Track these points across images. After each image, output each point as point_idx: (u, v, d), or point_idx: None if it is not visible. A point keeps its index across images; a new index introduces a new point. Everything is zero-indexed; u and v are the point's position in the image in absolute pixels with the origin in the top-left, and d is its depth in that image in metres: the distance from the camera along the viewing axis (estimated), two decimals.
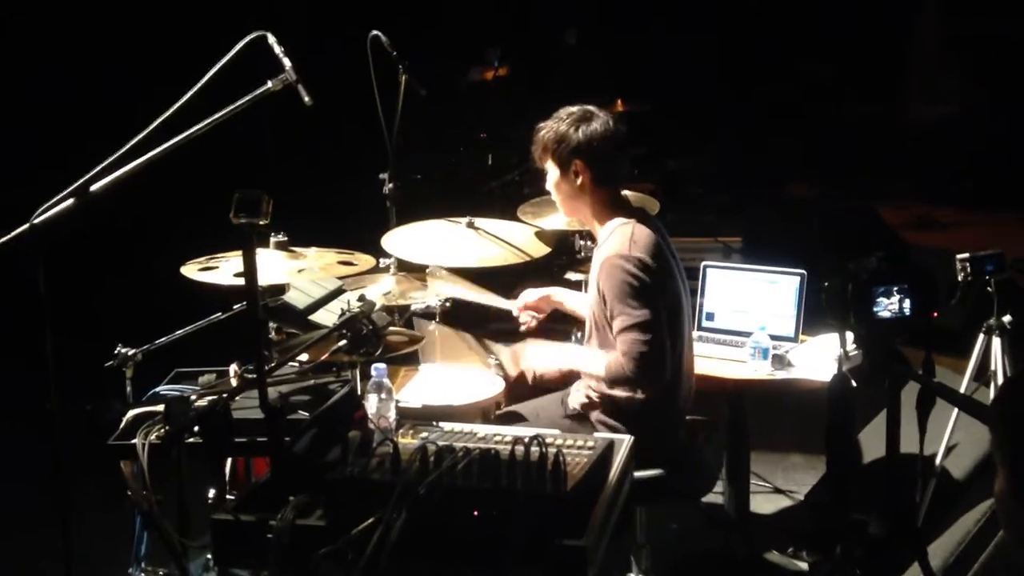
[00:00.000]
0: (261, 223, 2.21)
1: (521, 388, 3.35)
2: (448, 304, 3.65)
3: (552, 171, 3.12)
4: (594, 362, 3.04)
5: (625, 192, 3.31)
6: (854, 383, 2.26)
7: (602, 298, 2.99)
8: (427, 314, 3.65)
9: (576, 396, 3.19)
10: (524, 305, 3.47)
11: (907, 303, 2.18)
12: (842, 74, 7.85)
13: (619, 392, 2.99)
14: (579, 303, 3.43)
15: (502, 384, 3.29)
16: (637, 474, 2.68)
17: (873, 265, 2.18)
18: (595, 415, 3.08)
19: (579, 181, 3.06)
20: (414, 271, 3.69)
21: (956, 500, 3.28)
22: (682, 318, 3.09)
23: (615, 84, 7.10)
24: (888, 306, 2.18)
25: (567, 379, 3.21)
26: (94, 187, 2.47)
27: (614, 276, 2.95)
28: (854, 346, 3.01)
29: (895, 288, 2.17)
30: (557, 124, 3.08)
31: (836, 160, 7.40)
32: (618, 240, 3.00)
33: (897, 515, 2.37)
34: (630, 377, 2.91)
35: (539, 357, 3.22)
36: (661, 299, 2.95)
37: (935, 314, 2.21)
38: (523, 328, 3.50)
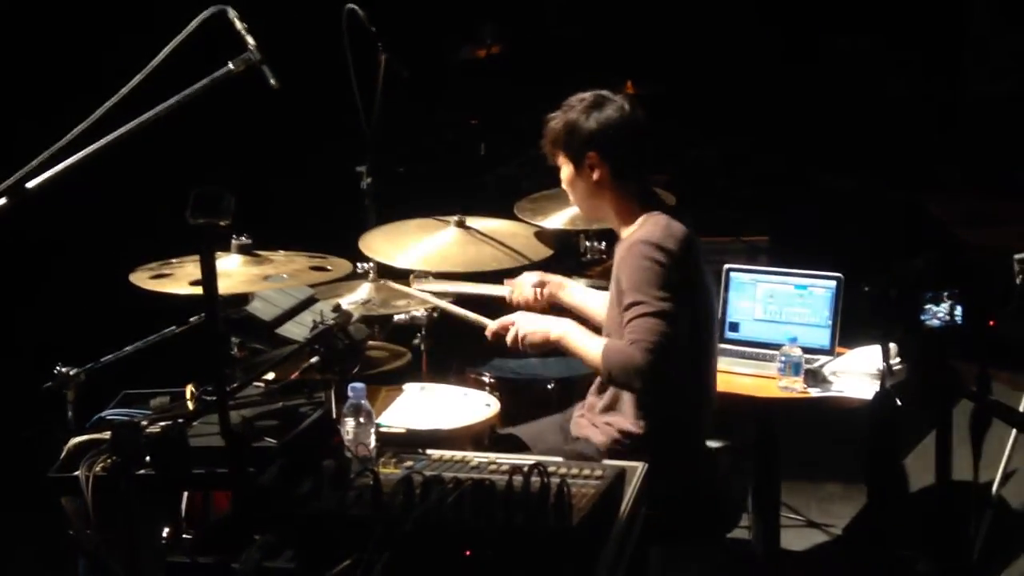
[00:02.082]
0: (222, 224, 2.21)
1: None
2: (436, 314, 3.66)
3: (565, 167, 3.12)
4: (592, 344, 3.01)
5: None
6: (899, 401, 2.26)
7: (619, 289, 2.98)
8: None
9: (579, 425, 3.19)
10: (518, 298, 3.44)
11: (959, 310, 2.17)
12: (883, 47, 7.85)
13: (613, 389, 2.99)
14: (588, 299, 3.41)
15: (497, 406, 3.29)
16: (651, 509, 2.68)
17: (920, 267, 2.18)
18: (603, 441, 3.08)
19: (596, 176, 3.06)
20: (396, 278, 3.70)
21: (1016, 534, 3.28)
22: (712, 332, 3.10)
23: (625, 63, 7.10)
24: (938, 314, 2.18)
25: (550, 350, 3.17)
26: (30, 184, 2.47)
27: (637, 259, 2.93)
28: (898, 359, 3.01)
29: (945, 293, 2.17)
30: (566, 113, 3.08)
31: (877, 146, 7.40)
32: (648, 227, 3.00)
33: (949, 552, 2.37)
34: (631, 371, 2.86)
35: (528, 320, 3.15)
36: (686, 302, 2.93)
37: (992, 323, 2.21)
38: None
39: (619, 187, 3.08)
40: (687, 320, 2.93)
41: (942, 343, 2.18)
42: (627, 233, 3.08)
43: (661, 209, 3.08)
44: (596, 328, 3.19)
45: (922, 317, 2.16)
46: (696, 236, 3.04)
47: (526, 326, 3.12)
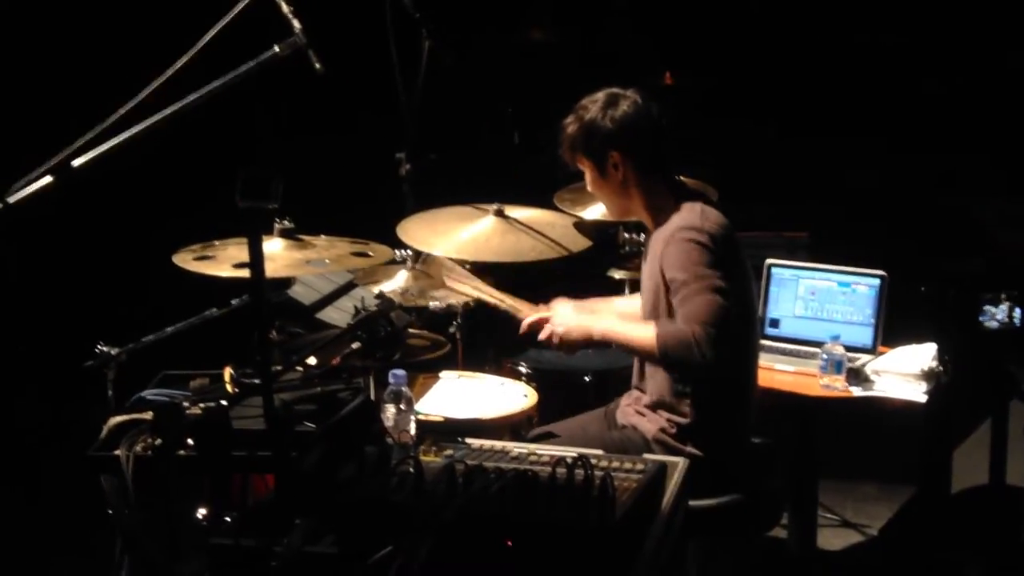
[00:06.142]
0: (271, 207, 2.20)
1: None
2: (472, 304, 3.64)
3: (588, 170, 3.11)
4: (641, 328, 2.96)
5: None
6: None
7: (663, 278, 2.94)
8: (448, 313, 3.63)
9: (626, 413, 3.17)
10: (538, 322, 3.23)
11: (1018, 312, 2.14)
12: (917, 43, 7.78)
13: (670, 371, 2.97)
14: (628, 307, 3.38)
15: (534, 397, 3.27)
16: (692, 503, 2.66)
17: (978, 268, 2.15)
18: (652, 432, 3.06)
19: (621, 175, 3.04)
20: (431, 265, 3.68)
21: None
22: (753, 323, 3.07)
23: (665, 53, 7.06)
24: (996, 315, 2.14)
25: (591, 346, 3.09)
26: (75, 163, 2.47)
27: (681, 244, 2.90)
28: (945, 359, 2.97)
29: (1004, 295, 2.13)
30: (582, 115, 3.06)
31: (914, 143, 7.33)
32: (685, 215, 2.98)
33: (1000, 556, 2.33)
34: (691, 344, 2.79)
35: (567, 316, 3.10)
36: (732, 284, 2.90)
37: None
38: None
39: (646, 182, 3.05)
40: (735, 301, 2.90)
41: (998, 345, 2.15)
42: (663, 224, 3.05)
43: (692, 197, 3.06)
44: None
45: (980, 318, 2.12)
46: (733, 226, 3.02)
47: (566, 323, 3.06)
